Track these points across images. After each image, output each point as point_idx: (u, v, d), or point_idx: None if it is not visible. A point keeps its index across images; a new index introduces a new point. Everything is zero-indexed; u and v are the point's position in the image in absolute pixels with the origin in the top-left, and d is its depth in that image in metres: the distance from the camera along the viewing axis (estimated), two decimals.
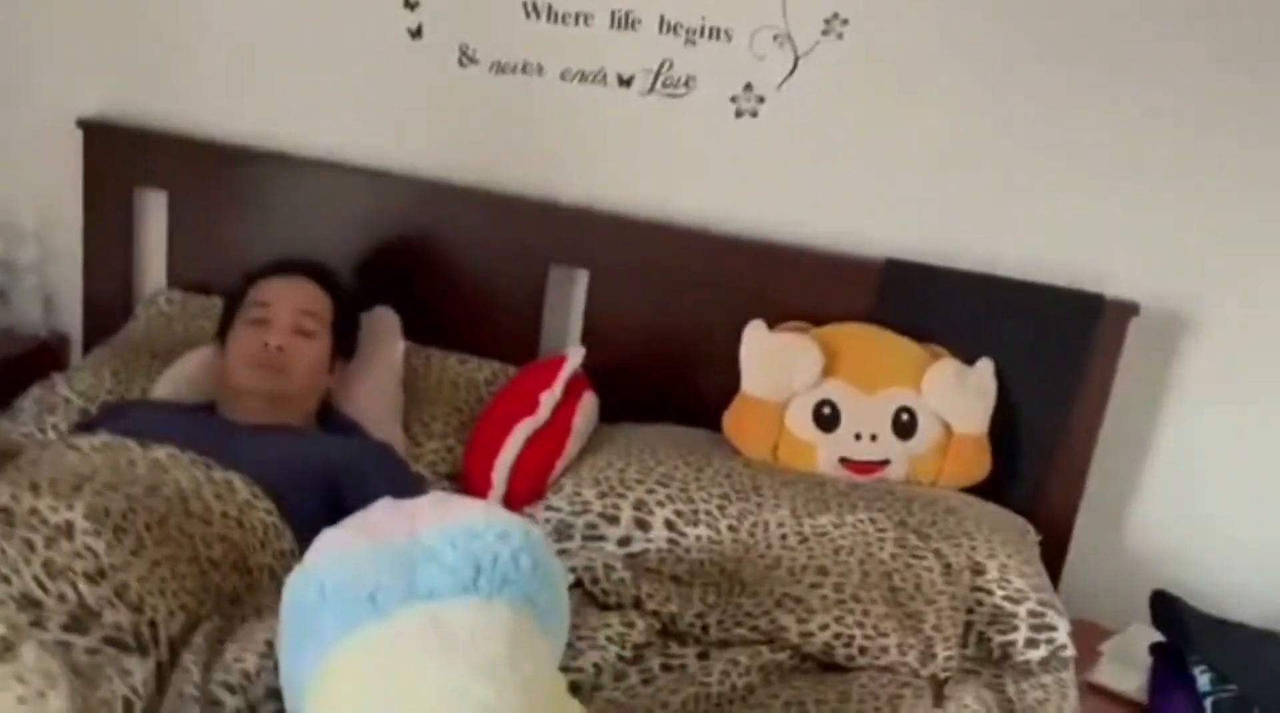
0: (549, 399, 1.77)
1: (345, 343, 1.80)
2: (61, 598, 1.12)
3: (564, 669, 1.31)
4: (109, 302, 2.15)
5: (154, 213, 2.13)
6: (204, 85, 2.09)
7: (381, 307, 1.96)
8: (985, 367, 1.81)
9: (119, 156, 2.10)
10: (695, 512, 1.61)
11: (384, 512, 1.14)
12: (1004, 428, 1.82)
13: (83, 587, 1.14)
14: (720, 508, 1.62)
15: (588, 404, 1.83)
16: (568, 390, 1.79)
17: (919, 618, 1.45)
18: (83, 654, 1.08)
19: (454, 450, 1.84)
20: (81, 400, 1.78)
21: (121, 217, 2.12)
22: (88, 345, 2.14)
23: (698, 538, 1.59)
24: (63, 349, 2.22)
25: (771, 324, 1.84)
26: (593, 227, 1.98)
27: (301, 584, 1.07)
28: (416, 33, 1.99)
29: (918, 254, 1.87)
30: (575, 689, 1.30)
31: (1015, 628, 1.50)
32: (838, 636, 1.41)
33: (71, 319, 2.21)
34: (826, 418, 1.79)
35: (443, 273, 2.02)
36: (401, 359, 1.92)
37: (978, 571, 1.56)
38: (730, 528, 1.60)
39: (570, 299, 2.06)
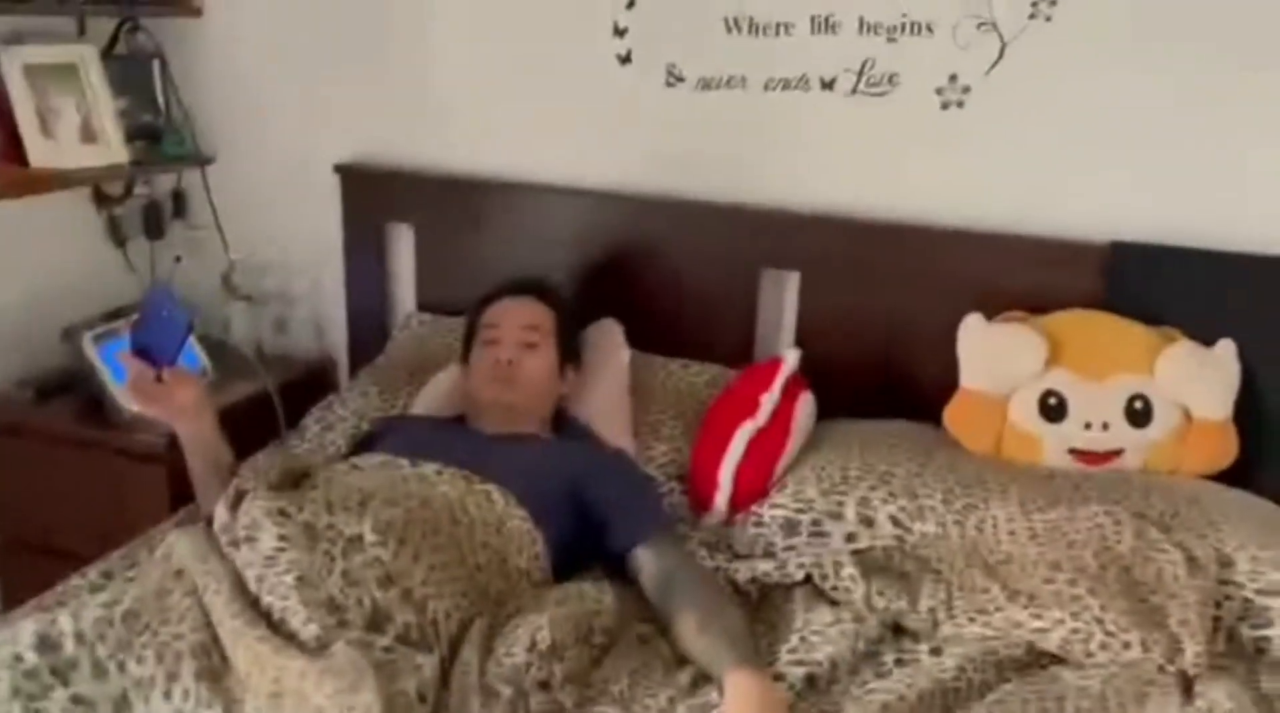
0: (769, 401, 1.83)
1: (570, 350, 1.93)
2: (359, 602, 1.29)
3: (799, 663, 1.38)
4: (369, 325, 2.39)
5: (403, 244, 2.35)
6: (437, 127, 2.28)
7: (606, 318, 2.09)
8: (1226, 347, 1.73)
9: (370, 196, 2.33)
10: (920, 508, 1.63)
11: None
12: (1250, 411, 1.74)
13: (375, 592, 1.31)
14: (945, 503, 1.63)
15: (806, 403, 1.88)
16: (786, 391, 1.85)
17: (1162, 613, 1.41)
18: (380, 652, 1.23)
19: (681, 452, 1.93)
20: (355, 418, 2.01)
21: (375, 249, 2.36)
22: (353, 365, 2.40)
23: (924, 534, 1.61)
24: (332, 370, 2.50)
25: (989, 315, 1.83)
26: (801, 229, 2.03)
27: None
28: (626, 58, 2.10)
29: (1137, 236, 1.81)
30: (811, 681, 1.37)
31: (1270, 623, 1.44)
32: (1075, 631, 1.39)
33: (338, 342, 2.47)
34: (1053, 409, 1.76)
35: (661, 283, 2.13)
36: (628, 366, 2.03)
37: (1225, 563, 1.50)
38: (956, 523, 1.60)
39: (783, 300, 2.12)
